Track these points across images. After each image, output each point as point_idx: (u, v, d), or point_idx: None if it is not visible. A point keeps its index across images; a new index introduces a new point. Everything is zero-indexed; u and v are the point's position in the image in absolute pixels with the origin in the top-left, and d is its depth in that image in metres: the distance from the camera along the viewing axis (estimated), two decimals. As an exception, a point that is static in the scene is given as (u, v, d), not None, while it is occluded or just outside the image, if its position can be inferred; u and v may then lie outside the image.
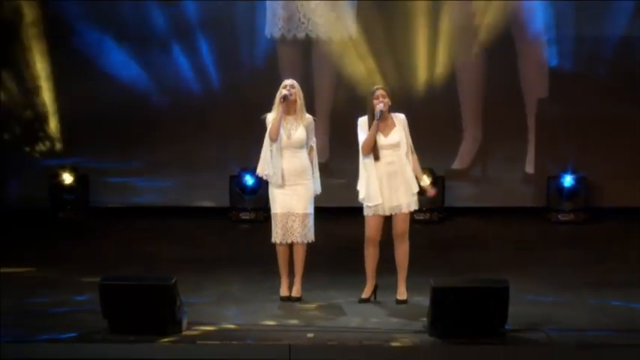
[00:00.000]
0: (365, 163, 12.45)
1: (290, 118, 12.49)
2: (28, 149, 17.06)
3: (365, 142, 12.33)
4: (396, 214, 12.47)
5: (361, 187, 12.49)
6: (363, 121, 12.45)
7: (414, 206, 12.55)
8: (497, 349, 11.39)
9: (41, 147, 17.10)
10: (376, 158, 12.38)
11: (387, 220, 12.53)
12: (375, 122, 12.28)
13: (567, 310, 12.58)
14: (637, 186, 16.58)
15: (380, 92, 12.39)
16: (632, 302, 12.80)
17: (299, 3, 16.78)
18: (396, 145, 12.37)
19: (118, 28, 17.15)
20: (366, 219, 12.52)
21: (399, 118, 12.45)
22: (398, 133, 12.39)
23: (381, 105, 12.26)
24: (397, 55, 16.86)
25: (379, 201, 12.38)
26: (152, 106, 17.00)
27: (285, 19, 16.86)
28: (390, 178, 12.41)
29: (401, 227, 12.48)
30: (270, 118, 12.47)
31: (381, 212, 12.45)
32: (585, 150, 16.64)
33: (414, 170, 12.44)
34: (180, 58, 17.05)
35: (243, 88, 16.57)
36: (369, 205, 12.42)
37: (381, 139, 12.35)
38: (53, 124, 17.09)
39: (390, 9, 16.85)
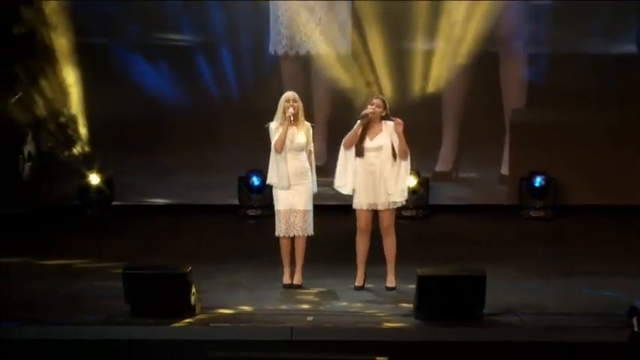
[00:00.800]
0: (347, 158, 12.50)
1: (292, 125, 12.52)
2: (60, 153, 17.00)
3: (347, 137, 12.41)
4: (380, 210, 12.51)
5: (338, 177, 12.59)
6: (357, 124, 12.49)
7: (398, 203, 12.62)
8: (476, 331, 11.45)
9: (71, 151, 17.04)
10: (359, 155, 12.44)
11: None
12: (358, 122, 12.33)
13: (538, 296, 12.63)
14: (600, 186, 16.59)
15: (376, 101, 12.46)
16: (595, 289, 12.85)
17: (300, 24, 16.76)
18: (378, 149, 12.43)
19: (139, 43, 17.09)
20: (356, 212, 12.58)
21: (388, 126, 12.45)
22: (383, 138, 12.42)
23: (368, 109, 12.33)
24: (386, 69, 16.81)
25: (362, 193, 12.45)
26: (169, 114, 16.97)
27: (288, 38, 16.86)
28: (369, 177, 12.46)
29: (386, 222, 12.56)
30: (273, 127, 12.55)
31: (361, 206, 12.52)
32: (554, 154, 16.64)
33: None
34: (195, 72, 17.00)
35: (251, 98, 16.55)
36: (341, 189, 12.57)
37: (367, 142, 12.41)
38: (82, 131, 17.05)
39: (380, 29, 16.82)
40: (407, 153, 12.46)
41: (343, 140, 12.45)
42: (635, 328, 10.03)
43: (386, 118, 12.50)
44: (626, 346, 10.06)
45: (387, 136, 12.45)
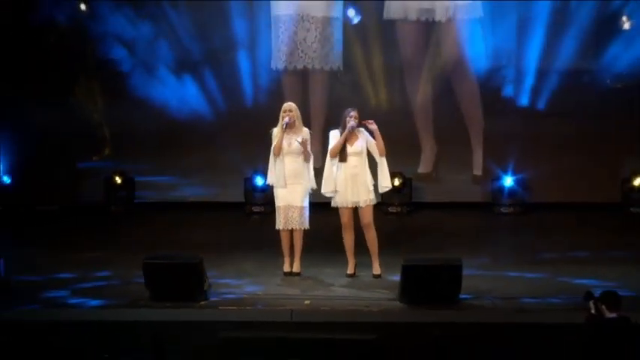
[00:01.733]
0: (332, 165, 12.53)
1: (290, 132, 12.57)
2: (87, 157, 17.01)
3: (333, 148, 12.47)
4: (360, 207, 12.54)
5: (325, 184, 12.59)
6: (334, 133, 12.58)
7: (374, 201, 12.63)
8: (453, 313, 11.47)
9: (97, 155, 17.05)
10: (343, 160, 12.47)
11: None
12: (345, 132, 12.38)
13: (508, 282, 12.66)
14: (562, 185, 16.57)
15: (353, 113, 12.49)
16: (558, 276, 12.87)
17: (298, 42, 16.76)
18: (358, 153, 12.49)
19: (156, 60, 17.09)
20: (339, 210, 12.61)
21: (363, 132, 12.53)
22: (360, 143, 12.49)
23: (353, 122, 12.38)
24: (373, 83, 16.81)
25: (342, 193, 12.49)
26: (184, 122, 16.92)
27: (287, 54, 16.86)
28: (353, 179, 12.49)
29: (366, 219, 12.58)
30: (275, 132, 12.59)
31: (346, 205, 12.54)
32: (522, 157, 16.61)
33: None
34: (207, 83, 16.97)
35: (256, 107, 16.55)
36: (329, 194, 12.56)
37: (348, 148, 12.45)
38: (106, 137, 17.05)
39: (367, 48, 16.84)
40: (383, 151, 12.51)
41: (329, 151, 12.52)
42: (592, 311, 10.04)
43: (359, 125, 12.57)
44: (584, 326, 10.08)
45: (363, 140, 12.53)
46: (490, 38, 16.76)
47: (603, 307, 9.97)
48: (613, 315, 9.94)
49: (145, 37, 17.03)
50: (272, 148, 12.62)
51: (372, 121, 12.49)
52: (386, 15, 16.78)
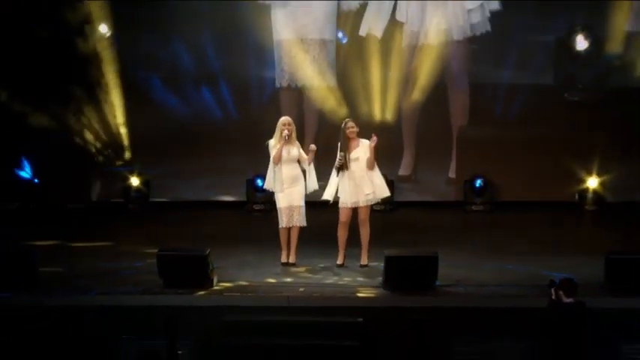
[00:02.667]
0: (335, 177, 12.57)
1: (287, 143, 12.57)
2: (107, 160, 16.98)
3: (336, 167, 12.52)
4: (358, 206, 12.54)
5: (326, 191, 12.61)
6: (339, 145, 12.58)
7: (372, 201, 12.66)
8: (430, 299, 11.52)
9: (117, 158, 17.01)
10: (345, 169, 12.47)
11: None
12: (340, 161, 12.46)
13: (478, 271, 12.65)
14: (527, 186, 16.58)
15: (351, 123, 12.53)
16: (522, 266, 12.87)
17: (298, 64, 16.73)
18: (356, 160, 12.47)
19: (169, 73, 17.03)
20: (340, 209, 12.60)
21: (363, 142, 12.52)
22: (360, 152, 12.49)
23: (351, 129, 12.43)
24: (362, 97, 16.79)
25: (347, 195, 12.49)
26: (193, 130, 16.90)
27: (288, 73, 16.82)
28: (351, 182, 12.51)
29: (363, 215, 12.59)
30: (272, 143, 12.63)
31: (346, 205, 12.54)
32: (490, 161, 16.64)
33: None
34: (215, 97, 16.95)
35: (257, 118, 16.45)
36: (340, 199, 12.54)
37: (350, 155, 12.45)
38: (125, 143, 17.02)
39: (356, 67, 16.82)
40: (373, 165, 12.51)
41: (335, 167, 12.51)
42: (553, 297, 10.06)
43: (359, 135, 12.55)
44: (546, 311, 10.10)
45: (362, 150, 12.51)
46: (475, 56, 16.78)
47: (561, 293, 10.01)
48: (570, 300, 9.98)
49: (162, 53, 16.94)
50: (272, 157, 12.63)
51: (375, 138, 12.47)
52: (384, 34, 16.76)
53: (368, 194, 12.59)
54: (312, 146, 12.68)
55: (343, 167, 12.49)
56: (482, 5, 16.53)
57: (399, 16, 16.70)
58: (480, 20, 16.58)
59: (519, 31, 16.54)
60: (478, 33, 16.62)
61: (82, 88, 16.73)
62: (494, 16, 16.55)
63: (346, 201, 12.56)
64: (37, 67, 16.36)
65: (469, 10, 16.53)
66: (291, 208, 12.64)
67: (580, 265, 12.61)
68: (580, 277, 12.13)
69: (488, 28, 16.58)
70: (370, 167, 12.50)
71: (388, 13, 16.73)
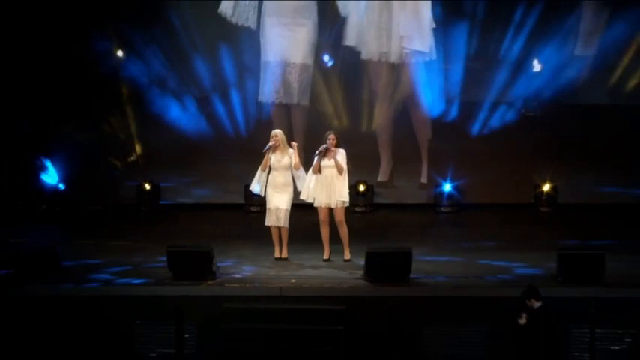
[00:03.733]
0: (311, 179, 12.50)
1: (278, 152, 12.54)
2: (123, 168, 16.95)
3: (313, 167, 12.48)
4: (334, 208, 12.49)
5: (304, 190, 12.52)
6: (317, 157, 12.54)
7: (346, 204, 12.56)
8: (405, 289, 11.47)
9: (131, 166, 16.99)
10: (319, 172, 12.44)
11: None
12: (318, 155, 12.42)
13: (447, 265, 12.64)
14: (488, 190, 16.56)
15: (331, 136, 12.49)
16: (489, 260, 12.85)
17: (282, 82, 16.70)
18: (332, 167, 12.42)
19: (177, 92, 16.97)
20: (317, 209, 12.58)
21: (340, 151, 12.48)
22: (339, 156, 12.42)
23: (329, 144, 12.38)
24: (344, 111, 16.78)
25: (318, 197, 12.46)
26: (198, 141, 16.84)
27: (274, 92, 16.77)
28: (327, 186, 12.46)
29: (338, 217, 12.53)
30: (265, 159, 12.59)
31: (321, 205, 12.50)
32: (457, 169, 16.61)
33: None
34: (215, 113, 16.90)
35: (253, 131, 16.51)
36: (311, 201, 12.52)
37: (325, 162, 12.42)
38: (138, 152, 16.98)
39: (338, 84, 16.80)
40: (343, 171, 12.43)
41: (311, 169, 12.47)
42: (529, 304, 10.05)
43: (338, 146, 12.51)
44: (529, 321, 10.06)
45: (340, 158, 12.44)
46: (438, 77, 16.73)
47: (532, 300, 10.03)
48: (539, 303, 10.00)
49: (169, 74, 16.93)
50: (261, 164, 12.63)
51: (334, 149, 12.45)
52: (364, 56, 16.67)
53: (341, 196, 12.49)
54: (293, 143, 12.65)
55: (319, 167, 12.43)
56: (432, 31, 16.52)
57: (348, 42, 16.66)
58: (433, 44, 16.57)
59: (483, 56, 16.52)
60: (436, 57, 16.58)
61: (101, 105, 16.69)
62: (459, 41, 16.51)
63: (320, 202, 12.53)
64: (63, 85, 16.33)
65: (433, 29, 16.49)
66: (277, 210, 12.58)
67: (535, 259, 12.63)
68: (536, 269, 12.26)
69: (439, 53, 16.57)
70: (340, 172, 12.44)
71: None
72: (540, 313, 10.00)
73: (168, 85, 16.90)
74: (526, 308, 10.01)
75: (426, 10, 16.43)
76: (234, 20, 16.58)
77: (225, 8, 16.55)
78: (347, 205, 12.64)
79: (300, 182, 12.61)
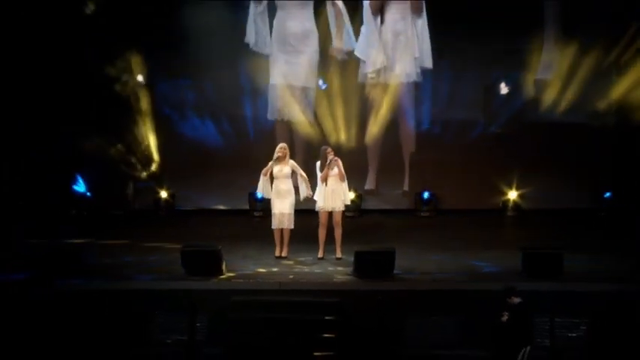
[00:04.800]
0: (321, 186, 12.52)
1: (282, 162, 12.59)
2: (142, 177, 16.89)
3: (322, 176, 12.49)
4: (333, 212, 12.54)
5: (317, 198, 12.55)
6: (318, 164, 12.58)
7: (343, 208, 12.64)
8: (390, 284, 11.54)
9: (150, 175, 16.92)
10: (325, 180, 12.46)
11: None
12: (327, 165, 12.43)
13: (426, 262, 12.69)
14: (462, 197, 16.54)
15: (329, 150, 12.52)
16: (460, 258, 12.90)
17: (285, 102, 16.64)
18: (335, 176, 12.48)
19: (193, 107, 16.89)
20: (319, 213, 12.61)
21: (338, 161, 12.53)
22: (336, 169, 12.50)
23: (332, 157, 12.46)
24: (339, 127, 16.70)
25: (325, 204, 12.49)
26: (208, 154, 16.79)
27: (278, 110, 16.76)
28: (331, 193, 12.52)
29: (337, 219, 12.58)
30: (270, 163, 12.63)
31: (325, 209, 12.54)
32: (435, 178, 16.60)
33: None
34: (226, 129, 16.82)
35: (259, 144, 16.37)
36: (321, 205, 12.52)
37: (328, 172, 12.44)
38: (156, 163, 16.91)
39: (332, 104, 16.79)
40: (344, 177, 12.51)
41: (320, 178, 12.50)
42: (510, 301, 10.06)
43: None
44: (510, 317, 10.03)
45: (338, 168, 12.52)
46: (425, 96, 16.73)
47: (512, 297, 10.05)
48: (519, 300, 10.02)
49: (184, 95, 16.86)
50: (264, 170, 12.65)
51: (336, 158, 12.54)
52: (359, 79, 16.62)
53: (342, 202, 12.58)
54: (292, 166, 12.69)
55: (325, 178, 12.46)
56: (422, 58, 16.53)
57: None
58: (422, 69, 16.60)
59: (457, 79, 16.55)
60: (422, 79, 16.59)
61: (124, 121, 16.65)
62: (443, 66, 16.56)
63: (324, 206, 12.55)
64: (93, 104, 16.28)
65: (415, 58, 16.51)
66: (282, 215, 12.60)
67: (503, 257, 12.68)
68: (503, 266, 12.29)
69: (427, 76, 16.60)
70: (342, 179, 12.49)
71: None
72: (519, 309, 10.01)
73: (183, 104, 16.85)
74: (507, 306, 10.02)
75: (420, 37, 16.44)
76: (255, 49, 16.56)
77: (249, 38, 16.53)
78: (343, 210, 12.69)
79: (302, 187, 12.66)
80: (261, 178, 12.67)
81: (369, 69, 16.55)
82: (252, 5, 16.55)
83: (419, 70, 16.54)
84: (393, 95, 16.63)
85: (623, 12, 16.06)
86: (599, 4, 16.00)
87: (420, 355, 10.60)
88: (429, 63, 16.50)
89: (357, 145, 16.71)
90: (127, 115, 16.63)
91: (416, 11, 16.44)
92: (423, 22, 16.46)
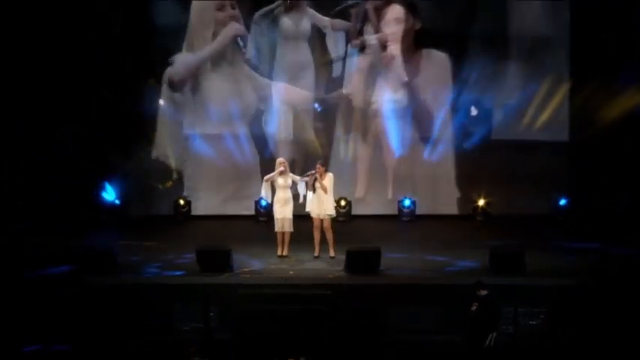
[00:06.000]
0: (309, 193, 12.54)
1: (284, 175, 12.62)
2: (163, 186, 16.84)
3: (310, 185, 12.51)
4: (323, 218, 12.53)
5: (308, 206, 12.56)
6: (307, 176, 12.61)
7: (332, 215, 12.60)
8: (375, 278, 11.54)
9: (170, 185, 16.83)
10: (314, 191, 12.45)
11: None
12: (307, 179, 12.50)
13: (407, 260, 12.67)
14: (438, 204, 16.54)
15: (318, 165, 12.56)
16: (436, 256, 12.91)
17: (285, 123, 16.53)
18: (323, 187, 12.43)
19: (205, 130, 16.71)
20: (312, 218, 12.63)
21: (328, 175, 12.55)
22: (325, 181, 12.45)
23: (320, 171, 12.42)
24: (333, 144, 16.65)
25: (313, 210, 12.49)
26: (221, 166, 16.55)
27: (280, 130, 16.69)
28: (319, 202, 12.48)
29: (326, 225, 12.58)
30: (273, 174, 12.66)
31: (315, 215, 12.53)
32: (415, 187, 16.58)
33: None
34: (237, 144, 16.63)
35: (262, 160, 16.41)
36: (310, 212, 12.54)
37: (317, 183, 12.45)
38: (175, 174, 16.81)
39: (330, 124, 16.75)
40: (326, 190, 12.41)
41: (308, 186, 12.51)
42: (479, 293, 10.09)
43: (327, 171, 12.60)
44: (477, 306, 10.02)
45: (327, 181, 12.50)
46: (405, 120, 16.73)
47: (480, 290, 10.09)
48: (485, 292, 10.06)
49: (199, 115, 16.72)
50: (266, 177, 12.67)
51: (323, 175, 12.49)
52: (354, 103, 16.53)
53: (329, 210, 12.54)
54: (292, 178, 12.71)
55: (314, 188, 12.43)
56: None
57: (345, 91, 16.59)
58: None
59: (435, 103, 16.58)
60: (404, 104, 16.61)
61: (147, 138, 16.53)
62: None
63: (314, 213, 12.58)
64: (122, 123, 16.12)
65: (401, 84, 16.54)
66: (283, 219, 12.62)
67: (473, 256, 12.70)
68: (473, 263, 12.32)
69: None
70: (325, 190, 12.43)
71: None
72: (487, 300, 10.05)
73: (198, 124, 16.80)
74: (476, 297, 10.06)
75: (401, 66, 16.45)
76: (262, 75, 16.47)
77: (249, 54, 16.42)
78: (333, 216, 12.69)
79: (300, 188, 12.65)
80: (263, 184, 12.71)
81: (350, 93, 16.55)
82: (253, 26, 16.40)
83: (400, 97, 16.56)
84: (377, 118, 16.65)
85: (576, 47, 16.16)
86: (557, 42, 16.17)
87: (401, 340, 10.62)
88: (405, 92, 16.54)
89: (349, 159, 16.72)
90: (150, 129, 16.48)
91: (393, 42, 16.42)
92: (397, 48, 16.42)
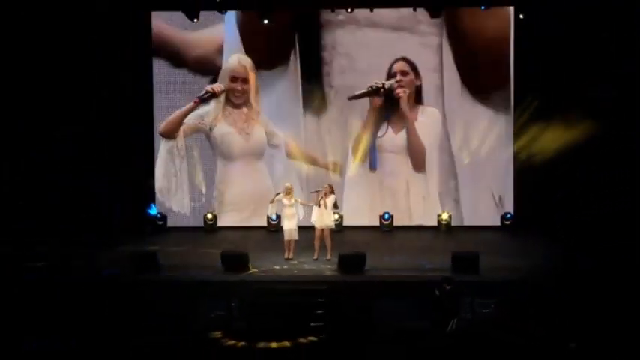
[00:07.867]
0: (315, 207, 12.51)
1: (289, 196, 12.65)
2: (196, 205, 16.59)
3: (316, 202, 12.46)
4: (324, 228, 12.51)
5: (313, 218, 12.52)
6: (316, 193, 12.59)
7: (333, 226, 12.66)
8: (362, 276, 11.55)
9: (200, 205, 16.46)
10: (319, 206, 12.42)
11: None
12: (321, 196, 12.42)
13: (388, 262, 12.62)
14: (412, 217, 16.18)
15: (325, 186, 12.58)
16: (411, 259, 12.85)
17: (294, 153, 16.08)
18: (326, 204, 12.43)
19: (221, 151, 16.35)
20: (315, 228, 12.58)
21: (332, 196, 12.55)
22: (328, 200, 12.46)
23: (321, 191, 12.45)
24: (327, 157, 16.10)
25: (317, 221, 12.46)
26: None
27: (286, 158, 16.51)
28: (320, 215, 12.45)
29: (326, 234, 12.57)
30: (280, 196, 12.67)
31: (318, 226, 12.49)
32: (393, 204, 16.17)
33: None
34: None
35: (274, 184, 16.04)
36: (315, 224, 12.48)
37: (322, 201, 12.44)
38: (204, 194, 16.54)
39: (330, 142, 16.16)
40: (330, 208, 12.44)
41: (315, 203, 12.47)
42: (444, 286, 10.09)
43: (331, 193, 12.59)
44: (440, 296, 9.99)
45: (330, 199, 12.52)
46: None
47: (444, 285, 10.09)
48: (449, 287, 10.05)
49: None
50: (276, 196, 12.64)
51: (327, 194, 12.49)
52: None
53: (331, 222, 12.60)
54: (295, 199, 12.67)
55: (320, 204, 12.39)
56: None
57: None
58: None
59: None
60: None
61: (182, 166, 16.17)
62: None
63: (317, 224, 12.58)
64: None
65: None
66: (290, 230, 12.65)
67: (439, 258, 12.65)
68: (440, 264, 12.28)
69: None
70: (325, 207, 12.45)
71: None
72: (450, 293, 10.06)
73: (217, 148, 16.19)
74: (441, 289, 10.08)
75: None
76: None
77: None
78: (333, 228, 12.74)
79: (300, 209, 12.60)
80: (269, 205, 12.76)
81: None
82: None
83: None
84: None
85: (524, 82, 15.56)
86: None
87: (384, 326, 10.57)
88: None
89: (342, 181, 16.56)
90: (189, 162, 16.06)
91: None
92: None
